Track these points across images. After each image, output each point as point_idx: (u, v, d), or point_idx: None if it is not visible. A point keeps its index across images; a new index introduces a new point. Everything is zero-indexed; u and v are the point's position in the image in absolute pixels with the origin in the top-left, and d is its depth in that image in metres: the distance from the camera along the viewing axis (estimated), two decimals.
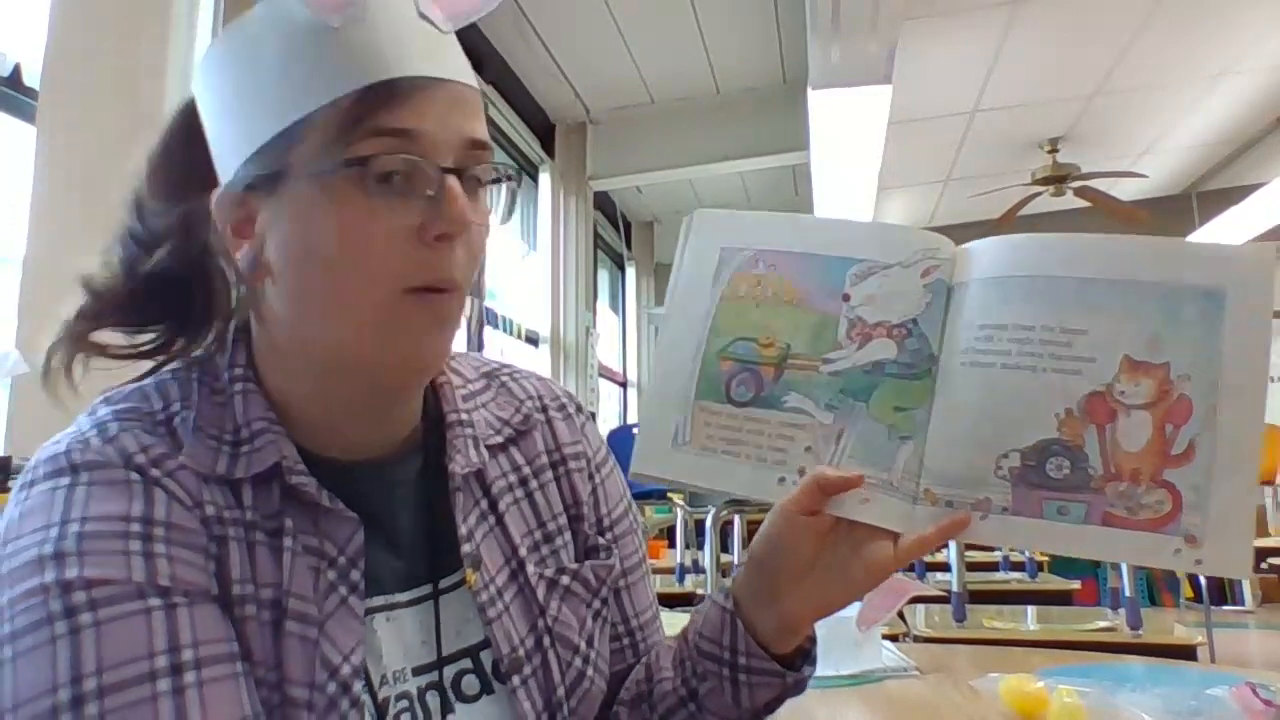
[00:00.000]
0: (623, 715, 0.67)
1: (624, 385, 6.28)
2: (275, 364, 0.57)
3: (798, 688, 0.63)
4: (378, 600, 0.57)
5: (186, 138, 0.57)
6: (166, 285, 0.57)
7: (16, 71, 1.67)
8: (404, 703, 0.56)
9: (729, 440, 0.60)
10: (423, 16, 0.53)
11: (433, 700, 0.57)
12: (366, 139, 0.50)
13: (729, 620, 0.61)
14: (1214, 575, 0.54)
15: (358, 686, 0.52)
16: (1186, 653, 1.69)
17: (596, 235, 5.29)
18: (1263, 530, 5.59)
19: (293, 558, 0.52)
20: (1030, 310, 0.56)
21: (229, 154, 0.54)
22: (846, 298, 0.60)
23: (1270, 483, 5.11)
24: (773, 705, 0.63)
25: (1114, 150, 5.13)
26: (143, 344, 0.60)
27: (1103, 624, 1.80)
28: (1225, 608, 5.30)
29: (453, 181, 0.52)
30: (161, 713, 0.44)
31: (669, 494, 2.74)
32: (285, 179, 0.51)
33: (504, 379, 0.70)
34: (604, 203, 5.49)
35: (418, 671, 0.57)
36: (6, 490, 1.32)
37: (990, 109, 4.49)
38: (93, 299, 0.58)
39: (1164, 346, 0.54)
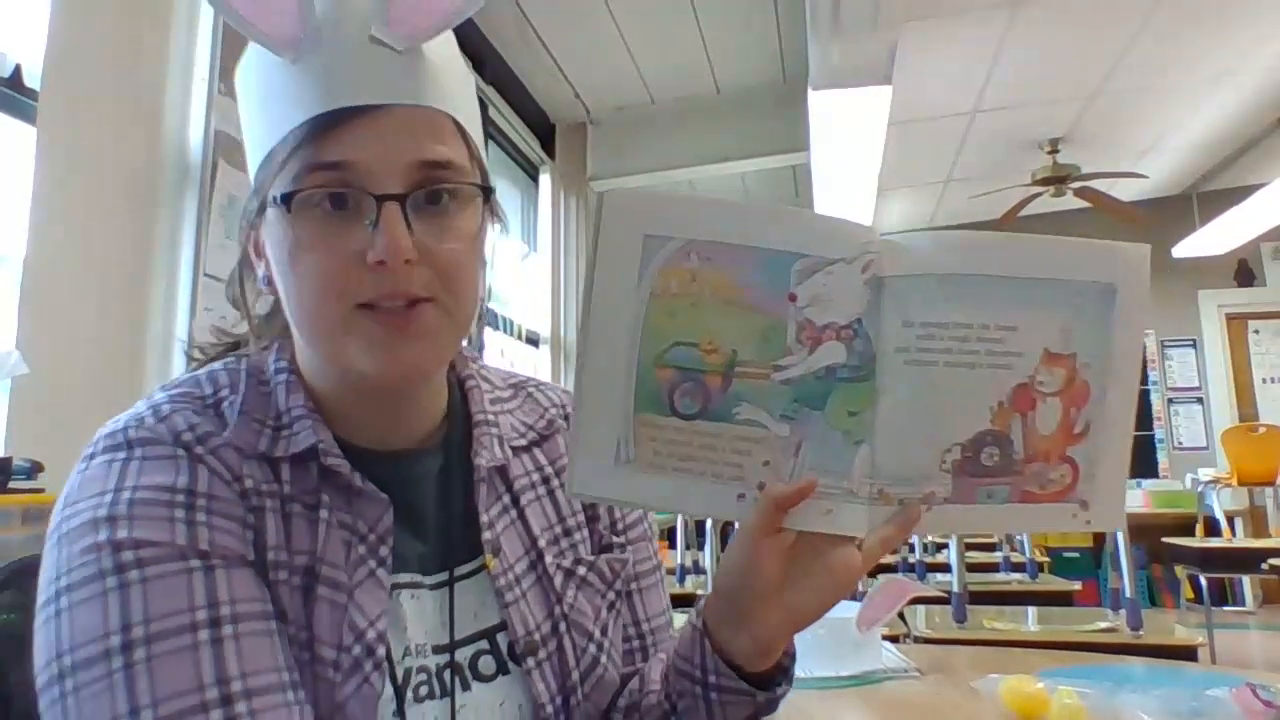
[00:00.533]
0: None
1: None
2: (304, 361, 0.63)
3: (770, 706, 0.63)
4: (404, 578, 0.61)
5: None
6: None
7: (16, 72, 1.67)
8: (423, 676, 0.60)
9: (679, 456, 0.56)
10: (375, 41, 0.55)
11: (449, 678, 0.61)
12: (309, 173, 0.54)
13: (699, 640, 0.62)
14: (1097, 530, 0.62)
15: (381, 651, 0.56)
16: (1187, 653, 1.69)
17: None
18: (1262, 530, 5.60)
19: (327, 529, 0.57)
20: (969, 309, 0.57)
21: (252, 175, 0.61)
22: (793, 298, 0.56)
23: (1270, 483, 5.11)
24: None
25: (1114, 150, 5.13)
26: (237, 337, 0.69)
27: (1103, 625, 1.80)
28: (1226, 608, 5.31)
29: (390, 210, 0.53)
30: (202, 659, 0.49)
31: None
32: (264, 206, 0.57)
33: (530, 390, 0.75)
34: None
35: (436, 650, 0.61)
36: (7, 491, 1.32)
37: (990, 109, 4.49)
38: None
39: (1073, 338, 0.58)
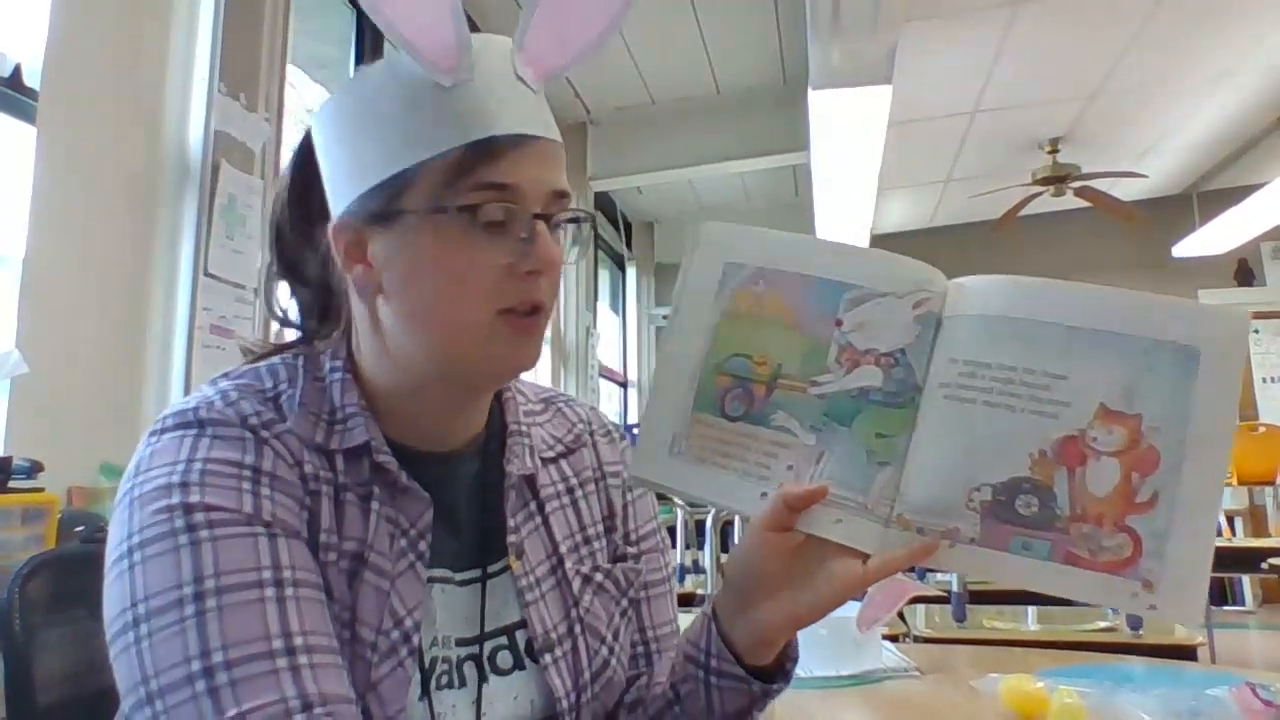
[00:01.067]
0: (621, 717, 0.72)
1: (624, 385, 6.28)
2: (373, 363, 0.65)
3: (766, 698, 0.66)
4: (438, 572, 0.65)
5: (307, 177, 0.67)
6: (309, 296, 0.70)
7: (16, 71, 1.67)
8: (445, 666, 0.64)
9: (720, 453, 0.63)
10: (519, 79, 0.62)
11: (470, 671, 0.64)
12: (472, 190, 0.59)
13: (707, 625, 0.66)
14: (1168, 621, 0.55)
15: (416, 639, 0.60)
16: (1187, 653, 1.69)
17: (597, 235, 5.29)
18: (1262, 530, 5.59)
19: (378, 520, 0.62)
20: (1015, 351, 0.57)
21: (344, 187, 0.63)
22: (839, 323, 0.62)
23: (1270, 483, 5.11)
24: (743, 714, 0.67)
25: (1114, 150, 5.13)
26: (285, 341, 0.72)
27: (1103, 624, 1.80)
28: (1226, 608, 5.31)
29: (542, 226, 0.61)
30: (269, 613, 0.53)
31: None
32: (398, 215, 0.60)
33: (560, 405, 0.79)
34: (604, 203, 5.49)
35: (460, 643, 0.65)
36: (6, 490, 1.32)
37: (990, 109, 4.49)
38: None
39: (1138, 398, 0.55)
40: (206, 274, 1.99)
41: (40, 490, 1.36)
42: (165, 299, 1.93)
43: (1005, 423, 0.57)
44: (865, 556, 0.59)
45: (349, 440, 0.62)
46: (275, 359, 0.67)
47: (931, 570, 2.79)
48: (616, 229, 5.95)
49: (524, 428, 0.73)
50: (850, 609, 1.33)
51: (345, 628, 0.58)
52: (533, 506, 0.71)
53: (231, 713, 0.49)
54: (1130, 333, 0.56)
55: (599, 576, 0.71)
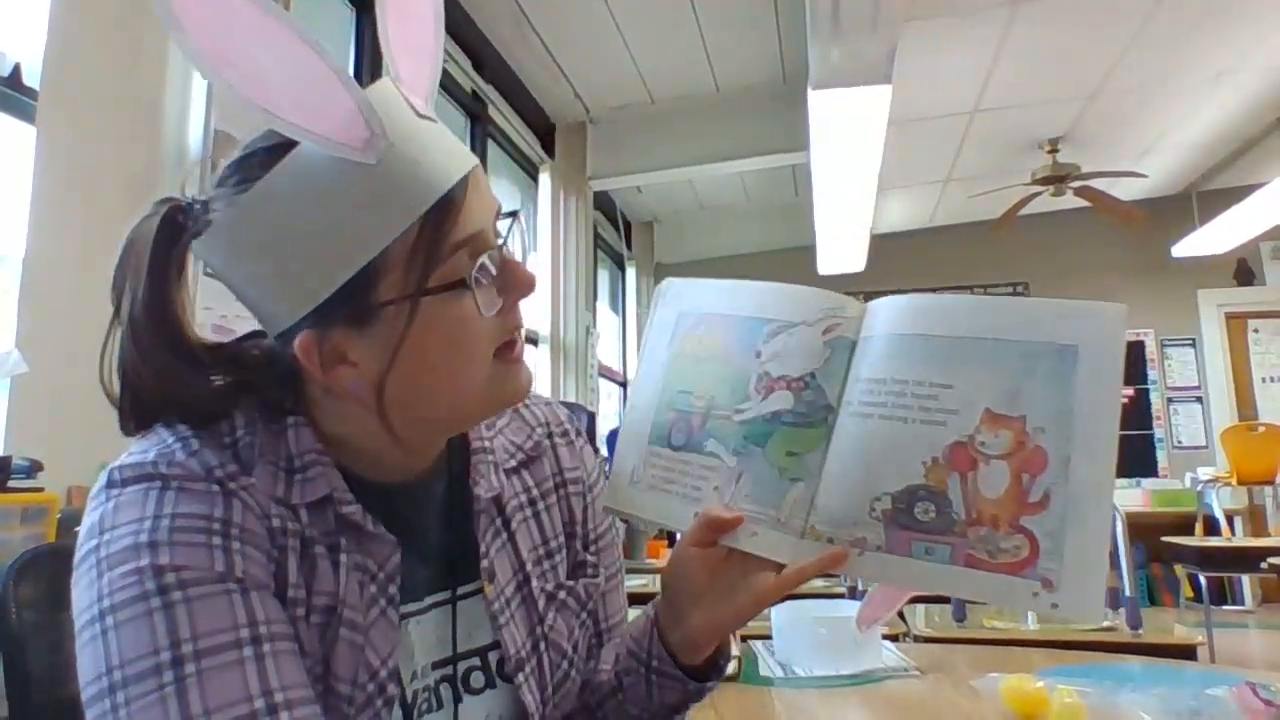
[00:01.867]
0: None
1: (624, 385, 6.28)
2: (337, 423, 0.62)
3: (699, 695, 0.72)
4: (409, 606, 0.65)
5: (171, 290, 0.60)
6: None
7: (16, 71, 1.67)
8: (426, 694, 0.65)
9: (666, 480, 0.69)
10: (422, 117, 0.58)
11: (445, 691, 0.66)
12: (448, 257, 0.56)
13: (649, 627, 0.72)
14: (1069, 618, 0.55)
15: (391, 687, 0.60)
16: (1186, 653, 1.70)
17: (596, 235, 5.29)
18: (1262, 530, 5.59)
19: (347, 573, 0.60)
20: (906, 366, 0.60)
21: (287, 304, 0.57)
22: (759, 354, 0.67)
23: (1270, 483, 5.11)
24: (679, 707, 0.73)
25: (1114, 150, 5.13)
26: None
27: (1103, 624, 1.80)
28: (1225, 607, 5.31)
29: (509, 253, 0.60)
30: (249, 674, 0.51)
31: None
32: (376, 311, 0.56)
33: (518, 406, 0.78)
34: (604, 202, 5.49)
35: (436, 666, 0.65)
36: (6, 490, 1.32)
37: (990, 109, 4.49)
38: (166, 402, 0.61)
39: (1021, 400, 0.57)
40: (206, 274, 1.99)
41: (40, 490, 1.36)
42: None
43: (899, 434, 0.59)
44: (780, 567, 0.62)
45: (310, 493, 0.60)
46: (231, 402, 0.62)
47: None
48: (616, 229, 5.95)
49: (488, 444, 0.72)
50: (850, 609, 1.33)
51: (319, 681, 0.57)
52: (499, 523, 0.70)
53: None
54: (1010, 338, 0.58)
55: (562, 594, 0.73)
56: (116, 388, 0.62)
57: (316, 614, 0.58)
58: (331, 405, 0.62)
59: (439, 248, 0.55)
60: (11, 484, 1.34)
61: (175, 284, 0.60)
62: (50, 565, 0.76)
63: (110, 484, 0.56)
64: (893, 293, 0.67)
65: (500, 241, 0.60)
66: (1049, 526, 0.55)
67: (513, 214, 0.63)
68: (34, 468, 1.39)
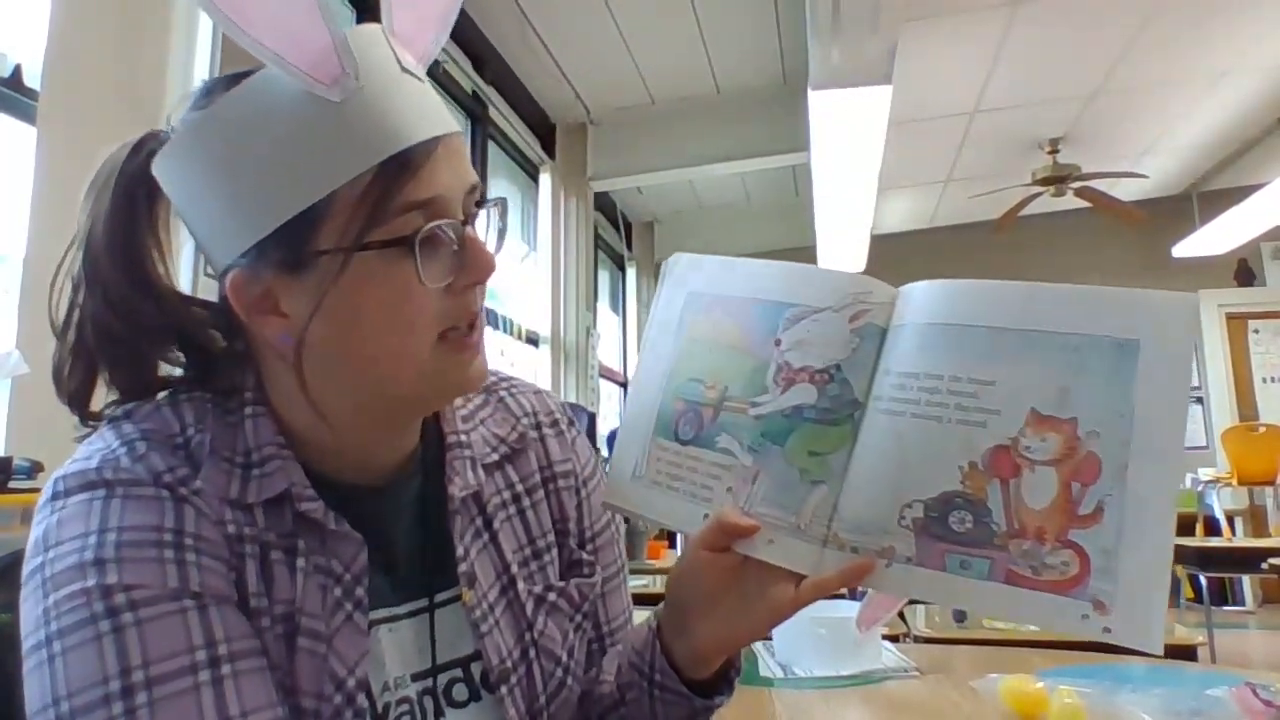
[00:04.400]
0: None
1: (624, 385, 6.28)
2: (288, 403, 0.58)
3: (706, 712, 0.66)
4: (381, 613, 0.60)
5: (137, 213, 0.58)
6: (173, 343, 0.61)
7: (16, 71, 1.68)
8: (404, 707, 0.60)
9: (671, 476, 0.63)
10: (406, 70, 0.54)
11: (428, 704, 0.61)
12: (395, 216, 0.52)
13: (651, 639, 0.66)
14: (1123, 645, 0.49)
15: (360, 698, 0.55)
16: (1187, 653, 1.69)
17: (597, 235, 5.29)
18: (1262, 530, 5.59)
19: (305, 577, 0.56)
20: (941, 359, 0.54)
21: (229, 237, 0.54)
22: (779, 342, 0.61)
23: (1270, 483, 5.11)
24: None
25: (1114, 150, 5.13)
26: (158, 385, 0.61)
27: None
28: (1226, 608, 5.31)
29: (472, 233, 0.56)
30: (204, 701, 0.48)
31: None
32: (313, 259, 0.52)
33: (502, 393, 0.72)
34: (604, 203, 5.49)
35: (415, 678, 0.61)
36: (6, 490, 1.32)
37: (990, 109, 4.49)
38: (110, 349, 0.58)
39: (1071, 401, 0.51)
40: (206, 274, 1.99)
41: (40, 490, 1.36)
42: None
43: (933, 434, 0.53)
44: (799, 578, 0.57)
45: (267, 489, 0.55)
46: (181, 394, 0.59)
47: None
48: (616, 229, 5.95)
49: (463, 437, 0.66)
50: (850, 609, 1.32)
51: (287, 694, 0.53)
52: (479, 524, 0.65)
53: None
54: (1059, 330, 0.52)
55: (552, 596, 0.67)
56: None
57: (279, 623, 0.54)
58: (283, 387, 0.58)
59: (388, 202, 0.51)
60: (12, 485, 1.34)
61: (142, 208, 0.58)
62: None
63: (55, 495, 0.53)
64: None
65: (468, 221, 0.56)
66: (1103, 543, 0.49)
67: (498, 200, 0.59)
68: (34, 468, 1.39)
